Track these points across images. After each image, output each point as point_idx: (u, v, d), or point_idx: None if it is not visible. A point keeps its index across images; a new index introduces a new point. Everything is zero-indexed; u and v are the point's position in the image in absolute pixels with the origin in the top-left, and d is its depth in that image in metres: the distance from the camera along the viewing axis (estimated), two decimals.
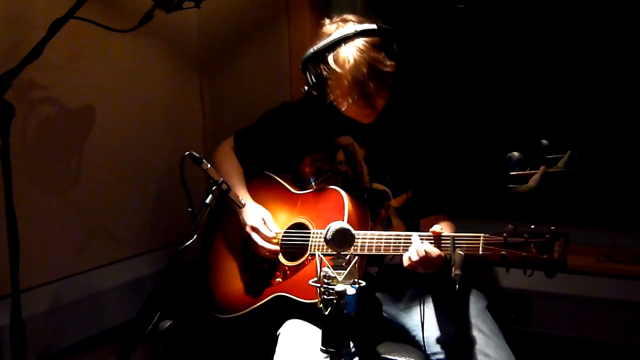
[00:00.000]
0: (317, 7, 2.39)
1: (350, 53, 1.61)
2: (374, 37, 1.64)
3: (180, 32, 2.45)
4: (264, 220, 1.84)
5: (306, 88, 1.71)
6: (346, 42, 1.63)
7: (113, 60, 2.12)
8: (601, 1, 2.31)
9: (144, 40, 2.24)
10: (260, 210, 1.86)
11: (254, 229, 1.82)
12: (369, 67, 1.60)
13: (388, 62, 1.62)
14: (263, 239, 1.81)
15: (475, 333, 1.61)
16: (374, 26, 1.64)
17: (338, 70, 1.63)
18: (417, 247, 1.51)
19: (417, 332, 1.71)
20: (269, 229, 1.82)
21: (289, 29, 2.38)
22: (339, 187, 1.81)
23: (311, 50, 1.68)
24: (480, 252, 1.43)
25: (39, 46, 1.54)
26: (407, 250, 1.55)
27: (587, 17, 2.33)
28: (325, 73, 1.66)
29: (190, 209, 1.53)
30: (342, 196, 1.72)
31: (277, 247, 1.82)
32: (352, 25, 1.67)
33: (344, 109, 1.70)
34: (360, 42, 1.62)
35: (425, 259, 1.49)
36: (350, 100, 1.66)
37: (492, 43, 2.49)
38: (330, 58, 1.64)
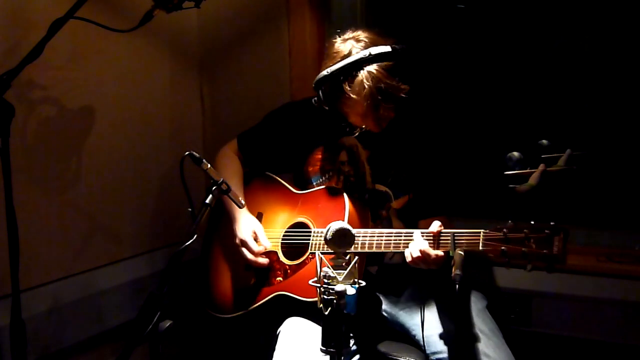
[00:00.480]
0: (317, 7, 2.39)
1: (365, 79, 1.60)
2: (389, 60, 1.61)
3: (180, 32, 2.45)
4: (256, 234, 1.82)
5: (316, 100, 1.71)
6: (361, 67, 1.61)
7: (113, 60, 2.12)
8: (601, 1, 2.31)
9: (144, 40, 2.24)
10: (252, 224, 1.85)
11: (243, 243, 1.81)
12: (384, 95, 1.60)
13: (402, 87, 1.62)
14: (250, 252, 1.81)
15: (475, 333, 1.61)
16: (388, 49, 1.61)
17: (353, 96, 1.62)
18: (418, 244, 1.51)
19: (417, 331, 1.71)
20: (258, 244, 1.81)
21: (289, 29, 2.38)
22: (340, 187, 1.81)
23: (324, 72, 1.66)
24: (480, 248, 1.44)
25: (39, 46, 1.54)
26: (407, 247, 1.55)
27: (586, 16, 2.33)
28: (339, 95, 1.66)
29: (190, 209, 1.53)
30: (343, 196, 1.73)
31: (266, 262, 1.81)
32: (365, 45, 1.65)
33: (354, 123, 1.71)
34: (374, 67, 1.60)
35: (426, 255, 1.50)
36: (361, 121, 1.69)
37: (492, 43, 2.49)
38: (345, 83, 1.64)
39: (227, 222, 1.91)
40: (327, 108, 1.69)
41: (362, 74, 1.61)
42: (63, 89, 1.93)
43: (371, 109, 1.62)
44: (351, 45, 1.68)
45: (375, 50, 1.62)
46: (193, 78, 2.56)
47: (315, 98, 1.71)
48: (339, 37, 1.73)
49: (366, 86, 1.59)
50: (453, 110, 2.51)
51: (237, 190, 1.91)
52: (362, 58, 1.61)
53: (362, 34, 1.70)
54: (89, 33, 1.94)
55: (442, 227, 1.52)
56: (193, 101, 2.56)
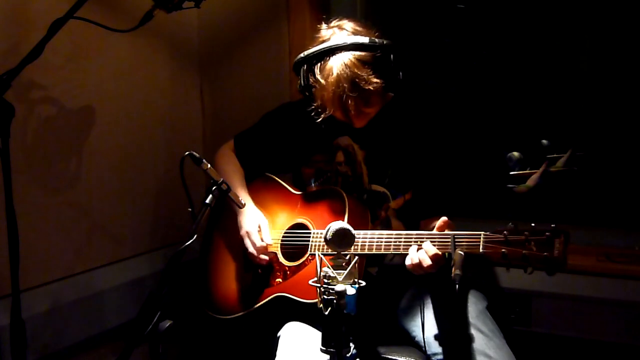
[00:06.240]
0: (317, 7, 2.39)
1: (335, 66, 1.59)
2: (364, 51, 1.60)
3: (180, 32, 2.45)
4: (260, 228, 1.82)
5: (299, 87, 1.72)
6: (334, 53, 1.61)
7: (113, 60, 2.12)
8: (601, 1, 2.31)
9: (144, 40, 2.24)
10: (258, 217, 1.85)
11: (248, 235, 1.81)
12: (350, 84, 1.58)
13: (373, 80, 1.58)
14: (253, 246, 1.80)
15: (476, 334, 1.61)
16: (365, 40, 1.61)
17: (321, 81, 1.62)
18: (427, 250, 1.50)
19: (417, 332, 1.71)
20: (262, 238, 1.81)
21: (289, 29, 2.39)
22: (339, 188, 1.80)
23: (301, 55, 1.68)
24: (481, 250, 1.43)
25: (39, 46, 1.54)
26: (407, 249, 1.54)
27: (587, 16, 2.33)
28: (311, 80, 1.66)
29: (190, 209, 1.53)
30: (342, 197, 1.72)
31: (268, 257, 1.81)
32: (345, 34, 1.65)
33: (328, 114, 1.70)
34: (348, 55, 1.59)
35: (433, 260, 1.49)
36: (332, 110, 1.67)
37: (492, 43, 2.49)
38: (317, 67, 1.64)
39: (230, 220, 1.91)
40: (307, 94, 1.70)
41: (334, 60, 1.60)
42: (63, 89, 1.93)
43: (337, 96, 1.61)
44: (332, 32, 1.69)
45: (352, 39, 1.62)
46: (193, 78, 2.56)
47: (298, 87, 1.71)
48: (326, 24, 1.74)
49: (334, 72, 1.59)
50: (451, 109, 2.51)
51: (240, 188, 1.92)
52: (337, 45, 1.61)
53: (347, 23, 1.70)
54: (89, 33, 1.93)
55: (445, 225, 1.52)
56: (193, 101, 2.56)
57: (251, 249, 1.80)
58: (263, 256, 1.80)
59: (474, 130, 2.50)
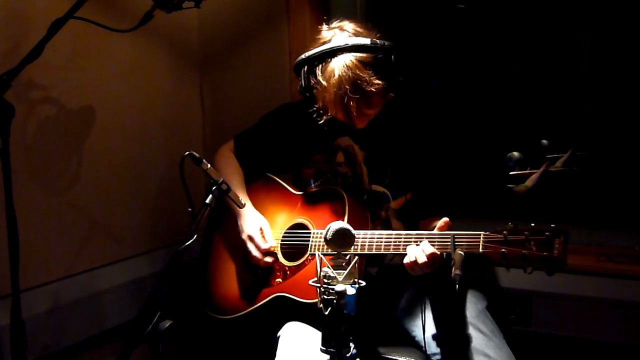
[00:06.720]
0: (317, 8, 2.39)
1: (336, 67, 1.59)
2: (366, 53, 1.60)
3: (180, 32, 2.45)
4: (261, 230, 1.83)
5: (299, 88, 1.72)
6: (336, 54, 1.61)
7: (113, 60, 2.12)
8: (601, 1, 2.31)
9: (144, 40, 2.24)
10: (259, 219, 1.85)
11: (250, 238, 1.82)
12: (352, 86, 1.58)
13: (375, 82, 1.59)
14: (257, 249, 1.81)
15: (476, 334, 1.61)
16: (366, 41, 1.61)
17: (323, 82, 1.62)
18: (414, 249, 1.51)
19: (417, 332, 1.71)
20: (265, 240, 1.81)
21: (289, 29, 2.39)
22: (339, 188, 1.81)
23: (302, 56, 1.68)
24: (481, 250, 1.43)
25: (39, 46, 1.54)
26: (405, 249, 1.54)
27: (588, 16, 2.33)
28: (312, 81, 1.66)
29: (190, 209, 1.53)
30: (343, 197, 1.72)
31: (271, 259, 1.81)
32: (346, 36, 1.65)
33: (330, 116, 1.70)
34: (349, 57, 1.59)
35: (429, 258, 1.49)
36: (334, 112, 1.67)
37: (492, 43, 2.49)
38: (318, 68, 1.64)
39: (230, 220, 1.91)
40: (307, 95, 1.70)
41: (335, 62, 1.60)
42: (63, 89, 1.93)
43: (339, 98, 1.61)
44: (333, 33, 1.69)
45: (353, 40, 1.61)
46: (193, 78, 2.56)
47: (299, 87, 1.71)
48: (327, 25, 1.74)
49: (336, 74, 1.59)
50: (451, 109, 2.51)
51: (239, 188, 1.92)
52: (338, 46, 1.61)
53: (348, 24, 1.70)
54: (89, 33, 1.93)
55: (446, 226, 1.52)
56: (193, 101, 2.56)
57: (255, 252, 1.80)
58: (267, 258, 1.80)
59: (474, 130, 2.50)
